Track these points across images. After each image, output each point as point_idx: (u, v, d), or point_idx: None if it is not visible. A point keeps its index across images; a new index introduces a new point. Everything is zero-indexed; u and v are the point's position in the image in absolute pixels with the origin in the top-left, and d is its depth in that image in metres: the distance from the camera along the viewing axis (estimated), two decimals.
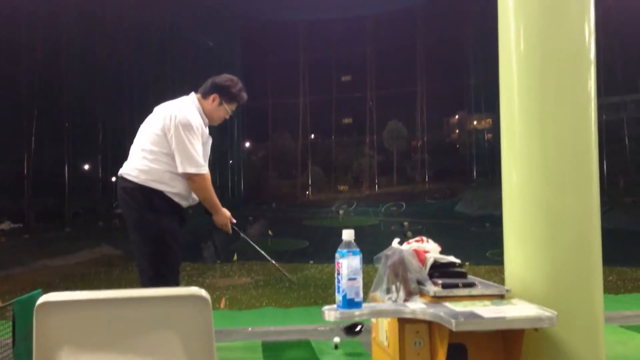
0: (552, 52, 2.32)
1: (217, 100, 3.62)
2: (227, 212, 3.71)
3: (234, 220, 3.77)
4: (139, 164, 3.45)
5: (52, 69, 26.96)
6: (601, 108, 30.21)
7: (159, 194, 3.42)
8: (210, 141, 3.66)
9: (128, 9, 26.71)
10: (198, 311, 1.62)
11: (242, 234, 3.99)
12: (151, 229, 3.40)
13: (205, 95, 3.64)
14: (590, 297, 2.31)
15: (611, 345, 4.14)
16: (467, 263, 12.55)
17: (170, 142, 3.42)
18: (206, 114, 3.62)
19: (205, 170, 3.49)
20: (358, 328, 4.23)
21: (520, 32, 2.38)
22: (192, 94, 3.68)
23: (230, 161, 37.87)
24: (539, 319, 1.98)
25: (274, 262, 4.34)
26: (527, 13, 2.39)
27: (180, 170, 3.42)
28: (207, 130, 3.63)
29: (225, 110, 3.67)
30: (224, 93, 3.63)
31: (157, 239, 3.41)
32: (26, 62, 26.10)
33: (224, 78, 3.70)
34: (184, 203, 3.53)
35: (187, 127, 3.42)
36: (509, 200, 2.50)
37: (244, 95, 3.72)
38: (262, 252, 4.29)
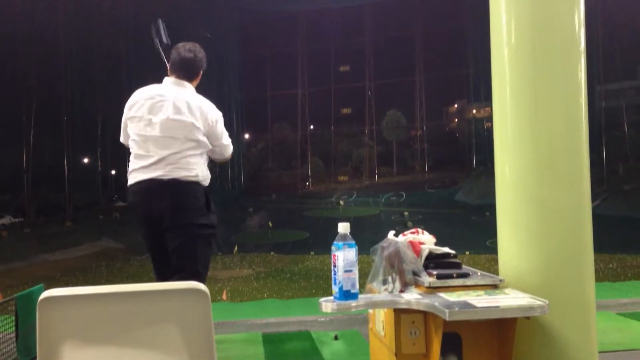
0: (542, 45, 2.35)
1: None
2: None
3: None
4: None
5: (50, 61, 26.91)
6: (600, 95, 30.17)
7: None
8: None
9: (124, 1, 26.65)
10: (197, 305, 1.66)
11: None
12: None
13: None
14: (582, 286, 2.36)
15: (608, 332, 4.20)
16: (467, 252, 12.60)
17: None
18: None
19: None
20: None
21: (511, 25, 2.40)
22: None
23: None
24: (530, 307, 2.03)
25: None
26: (518, 5, 2.41)
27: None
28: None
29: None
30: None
31: None
32: (23, 54, 26.06)
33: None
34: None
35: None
36: (502, 192, 2.54)
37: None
38: None
